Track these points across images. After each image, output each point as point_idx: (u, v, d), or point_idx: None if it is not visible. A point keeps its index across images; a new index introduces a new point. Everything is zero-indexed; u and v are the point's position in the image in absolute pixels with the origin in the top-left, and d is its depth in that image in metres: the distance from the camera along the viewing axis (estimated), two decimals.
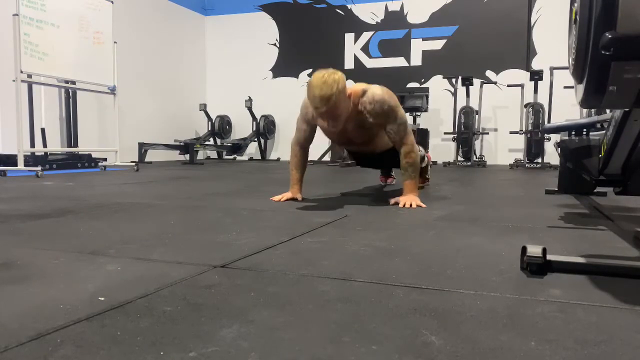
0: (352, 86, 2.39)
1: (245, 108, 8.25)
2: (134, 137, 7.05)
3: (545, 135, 6.32)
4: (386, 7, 8.13)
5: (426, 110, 7.14)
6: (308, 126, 2.57)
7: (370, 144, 2.69)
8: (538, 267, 1.16)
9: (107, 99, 6.15)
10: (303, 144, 2.63)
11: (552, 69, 6.53)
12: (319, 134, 2.65)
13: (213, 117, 8.49)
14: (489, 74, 7.55)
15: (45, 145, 5.57)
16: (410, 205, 2.38)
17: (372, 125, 2.45)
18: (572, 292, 1.02)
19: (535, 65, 7.14)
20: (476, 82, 7.18)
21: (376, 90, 2.40)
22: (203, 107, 8.41)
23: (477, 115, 6.98)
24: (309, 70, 8.52)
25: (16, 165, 4.62)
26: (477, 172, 5.45)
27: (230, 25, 9.02)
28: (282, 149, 8.65)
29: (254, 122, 8.39)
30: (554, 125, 2.25)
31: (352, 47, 8.35)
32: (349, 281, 1.10)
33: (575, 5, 1.01)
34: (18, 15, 4.54)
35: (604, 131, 1.77)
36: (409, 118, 7.23)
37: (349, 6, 8.34)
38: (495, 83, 7.49)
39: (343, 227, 1.81)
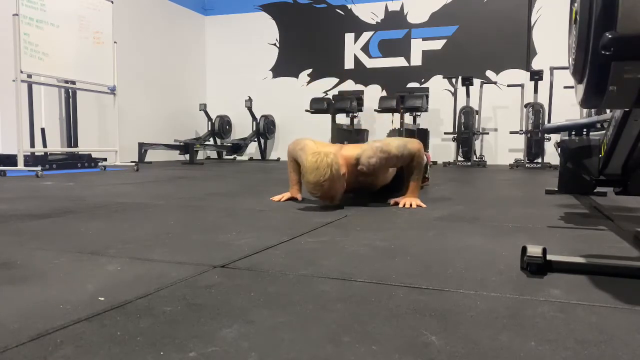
0: (342, 153, 2.37)
1: (245, 108, 8.25)
2: (134, 137, 7.05)
3: (545, 135, 6.32)
4: (386, 7, 8.13)
5: (426, 110, 7.14)
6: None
7: (371, 186, 2.65)
8: (538, 267, 1.16)
9: (107, 99, 6.15)
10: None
11: (552, 69, 6.53)
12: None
13: (213, 117, 8.49)
14: (489, 74, 7.55)
15: (45, 145, 5.57)
16: (410, 205, 2.38)
17: (376, 175, 2.48)
18: (572, 292, 1.02)
19: (535, 65, 7.14)
20: (476, 82, 7.18)
21: (368, 153, 2.36)
22: (203, 107, 8.41)
23: (477, 115, 6.98)
24: (309, 70, 8.53)
25: (16, 165, 4.62)
26: (477, 172, 5.45)
27: (230, 25, 9.02)
28: (282, 149, 8.65)
29: (254, 122, 8.39)
30: (554, 125, 2.25)
31: (352, 47, 8.35)
32: (349, 281, 1.10)
33: (575, 5, 1.01)
34: (18, 15, 4.54)
35: (604, 131, 1.77)
36: (409, 118, 7.25)
37: (349, 6, 8.34)
38: (495, 83, 7.49)
39: (343, 227, 1.81)
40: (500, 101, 7.46)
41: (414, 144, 2.43)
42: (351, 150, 2.41)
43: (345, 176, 2.30)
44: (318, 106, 7.37)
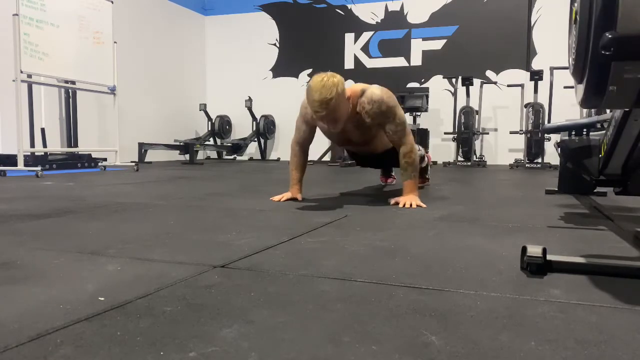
0: (351, 86, 2.39)
1: (245, 108, 8.25)
2: (134, 137, 7.05)
3: (545, 135, 6.32)
4: (386, 7, 8.13)
5: (426, 110, 7.14)
6: (307, 126, 2.57)
7: (369, 144, 2.69)
8: (538, 267, 1.16)
9: (107, 99, 6.15)
10: (303, 144, 2.63)
11: (552, 69, 6.53)
12: (319, 134, 2.65)
13: (213, 117, 8.49)
14: (489, 74, 7.55)
15: (45, 145, 5.57)
16: (410, 205, 2.38)
17: (371, 126, 2.46)
18: (572, 292, 1.02)
19: (535, 65, 7.14)
20: (476, 82, 7.18)
21: (375, 91, 2.40)
22: (203, 107, 8.41)
23: (477, 115, 6.98)
24: (309, 70, 8.52)
25: (16, 165, 4.62)
26: (477, 172, 5.45)
27: (230, 25, 9.02)
28: (282, 149, 8.65)
29: (254, 122, 8.39)
30: (554, 125, 2.25)
31: (352, 47, 8.35)
32: (349, 281, 1.10)
33: (575, 5, 1.01)
34: (18, 15, 4.54)
35: (604, 131, 1.77)
36: (408, 118, 7.24)
37: (349, 6, 8.34)
38: (495, 83, 7.49)
39: (343, 227, 1.81)
40: (500, 101, 7.46)
41: (410, 136, 2.48)
42: (357, 86, 2.44)
43: (350, 101, 2.29)
44: None
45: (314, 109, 2.18)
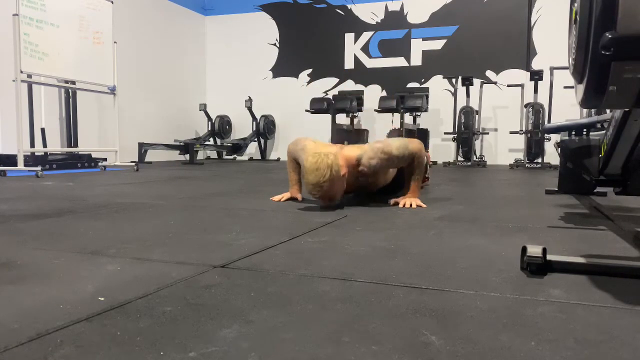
0: (344, 153, 2.37)
1: (245, 108, 8.25)
2: (134, 137, 7.05)
3: (545, 135, 6.32)
4: (386, 7, 8.13)
5: (426, 110, 7.14)
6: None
7: (373, 186, 2.65)
8: (538, 267, 1.16)
9: (107, 99, 6.15)
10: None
11: (552, 69, 6.53)
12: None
13: (213, 117, 8.49)
14: (489, 74, 7.55)
15: (45, 145, 5.57)
16: (410, 205, 2.38)
17: (376, 176, 2.49)
18: (572, 292, 1.02)
19: (535, 65, 7.14)
20: (476, 82, 7.18)
21: (369, 155, 2.36)
22: (203, 107, 8.41)
23: (477, 115, 6.98)
24: (309, 70, 8.53)
25: (16, 165, 4.62)
26: (477, 172, 5.45)
27: (230, 25, 9.02)
28: (282, 149, 8.65)
29: (254, 122, 8.39)
30: (554, 125, 2.25)
31: (352, 47, 8.35)
32: (349, 281, 1.10)
33: (575, 5, 1.01)
34: (18, 15, 4.54)
35: (604, 131, 1.77)
36: (409, 118, 7.25)
37: (349, 6, 8.34)
38: (495, 83, 7.49)
39: (343, 227, 1.81)
40: (500, 101, 7.46)
41: (414, 144, 2.41)
42: (352, 151, 2.41)
43: (345, 177, 2.30)
44: (318, 106, 7.37)
45: (308, 190, 2.23)
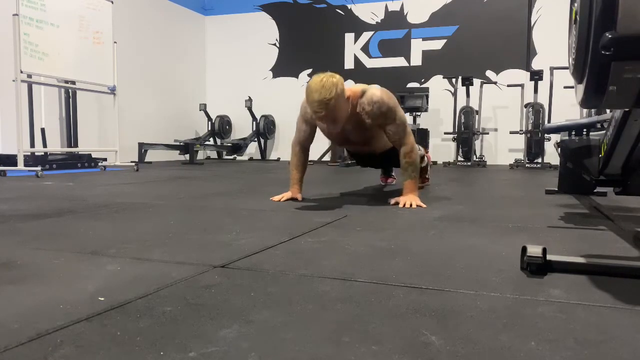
0: (351, 87, 2.39)
1: (245, 108, 8.25)
2: (134, 137, 7.05)
3: (545, 135, 6.32)
4: (386, 7, 8.13)
5: (426, 110, 7.14)
6: (308, 126, 2.57)
7: (369, 145, 2.69)
8: (538, 267, 1.16)
9: (107, 99, 6.15)
10: (303, 143, 2.63)
11: (552, 69, 6.53)
12: (319, 134, 2.66)
13: (213, 117, 8.49)
14: (489, 74, 7.55)
15: (45, 145, 5.57)
16: (410, 205, 2.38)
17: (371, 126, 2.46)
18: (572, 292, 1.02)
19: (535, 65, 7.14)
20: (476, 82, 7.18)
21: (375, 92, 2.40)
22: (203, 107, 8.41)
23: (477, 115, 6.98)
24: (309, 70, 8.52)
25: (16, 165, 4.62)
26: (477, 172, 5.45)
27: (230, 25, 9.02)
28: (282, 149, 8.65)
29: (254, 122, 8.39)
30: (554, 125, 2.25)
31: (352, 47, 8.35)
32: (349, 281, 1.10)
33: (575, 5, 1.01)
34: (18, 15, 4.54)
35: (604, 131, 1.77)
36: (408, 118, 7.24)
37: (349, 6, 8.34)
38: (495, 83, 7.49)
39: (343, 227, 1.81)
40: (500, 101, 7.46)
41: (411, 136, 2.47)
42: (357, 86, 2.43)
43: (349, 101, 2.29)
44: None
45: (313, 109, 2.18)
